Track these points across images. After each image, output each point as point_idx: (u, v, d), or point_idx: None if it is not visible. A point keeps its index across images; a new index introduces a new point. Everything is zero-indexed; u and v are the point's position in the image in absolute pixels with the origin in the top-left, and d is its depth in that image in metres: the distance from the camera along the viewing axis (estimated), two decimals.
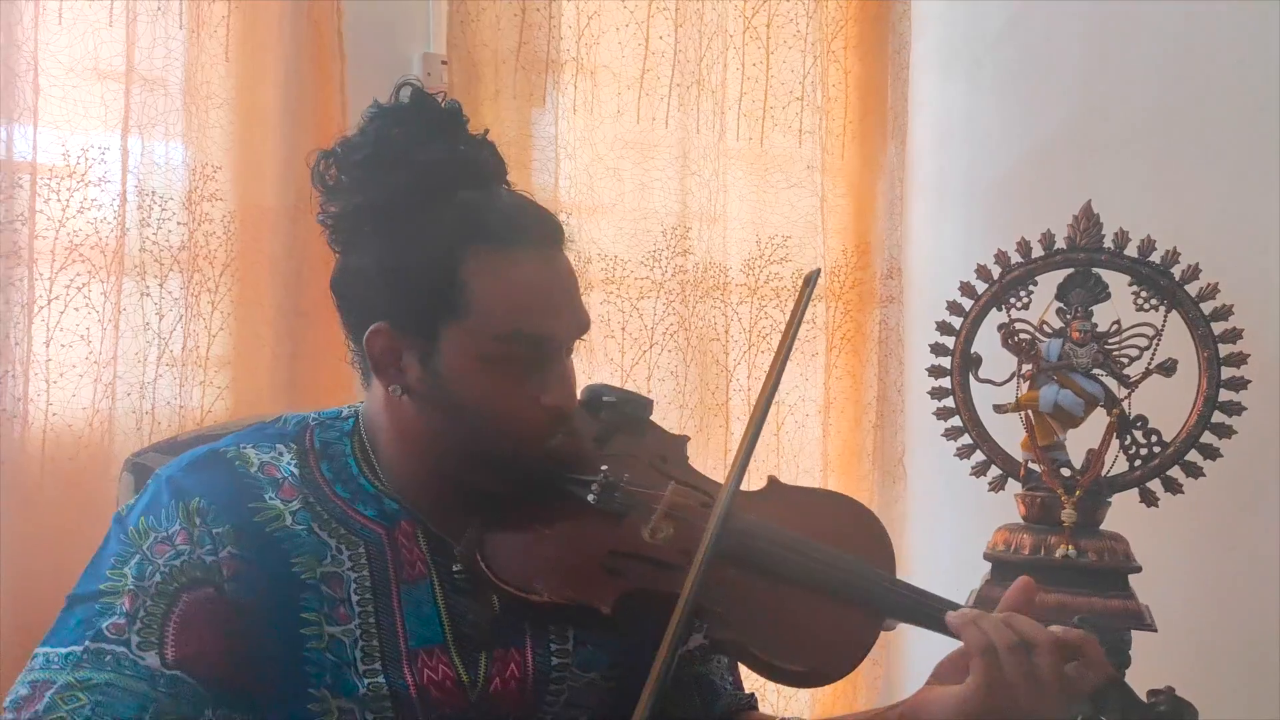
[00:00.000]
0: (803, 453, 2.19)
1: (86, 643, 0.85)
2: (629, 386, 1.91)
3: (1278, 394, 1.64)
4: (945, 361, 1.73)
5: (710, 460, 2.03)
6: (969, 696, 0.85)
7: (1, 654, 1.36)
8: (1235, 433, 1.56)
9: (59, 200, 1.40)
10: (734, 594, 0.89)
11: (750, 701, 1.08)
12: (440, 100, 0.95)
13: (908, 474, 2.31)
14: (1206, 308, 1.57)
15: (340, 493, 0.95)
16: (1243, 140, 1.78)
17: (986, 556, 1.62)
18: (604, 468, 0.93)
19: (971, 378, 1.71)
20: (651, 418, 1.06)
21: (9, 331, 1.33)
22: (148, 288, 1.43)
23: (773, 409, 2.14)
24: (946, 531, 2.24)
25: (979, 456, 1.71)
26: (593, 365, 1.89)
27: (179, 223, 1.47)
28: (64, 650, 0.85)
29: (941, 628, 0.90)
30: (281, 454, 0.95)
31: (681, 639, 0.86)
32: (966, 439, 1.71)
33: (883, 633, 0.97)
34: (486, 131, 0.98)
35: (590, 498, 0.93)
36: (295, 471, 0.94)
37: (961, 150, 2.31)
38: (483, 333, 0.90)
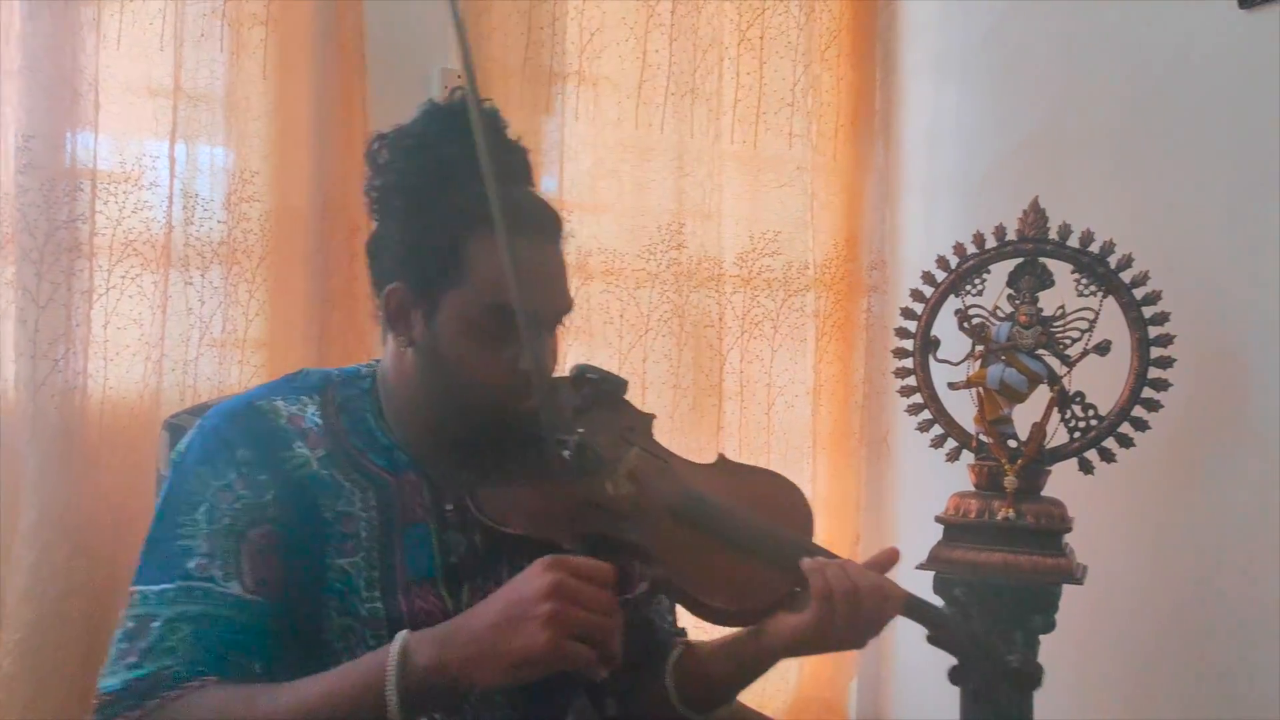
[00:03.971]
0: (793, 431, 2.30)
1: (178, 581, 0.95)
2: (626, 368, 2.05)
3: (1196, 372, 1.71)
4: (908, 344, 1.83)
5: (703, 436, 2.15)
6: (806, 625, 1.02)
7: (75, 589, 1.53)
8: (1162, 406, 1.64)
9: (116, 202, 1.56)
10: (672, 542, 1.03)
11: (681, 633, 1.22)
12: (484, 105, 1.03)
13: (892, 450, 2.41)
14: (1139, 294, 1.65)
15: (356, 443, 1.05)
16: (1189, 142, 1.84)
17: (938, 520, 1.72)
18: (580, 430, 1.03)
19: (931, 358, 1.81)
20: (626, 397, 1.17)
21: (72, 316, 1.50)
22: (191, 278, 1.59)
23: (765, 390, 2.27)
24: (928, 501, 2.33)
25: (937, 430, 1.81)
26: (593, 348, 2.02)
27: (219, 221, 1.63)
28: (157, 589, 0.95)
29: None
30: (306, 405, 1.05)
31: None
32: (926, 414, 1.81)
33: None
34: (520, 139, 1.10)
35: (565, 454, 1.02)
36: (319, 422, 1.05)
37: (949, 150, 2.39)
38: (476, 302, 1.01)
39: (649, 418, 1.17)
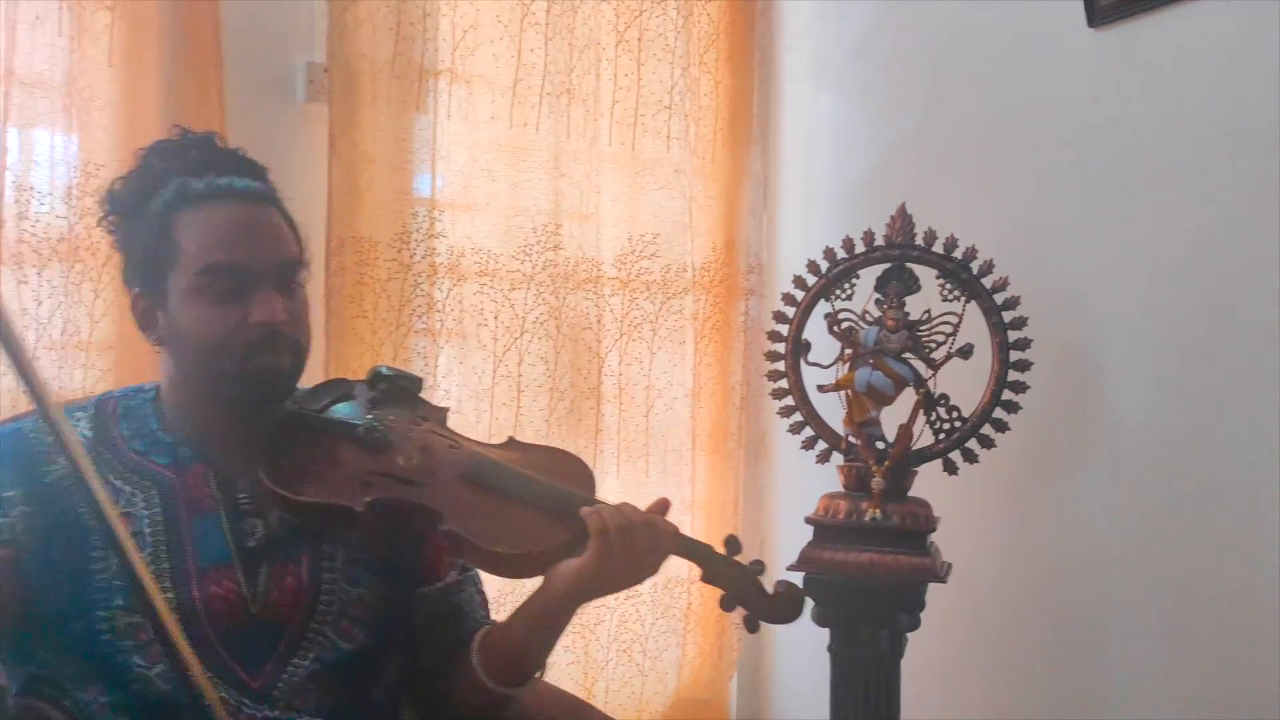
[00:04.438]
0: (671, 433, 2.29)
1: None
2: (501, 371, 2.01)
3: (1052, 375, 1.76)
4: (780, 347, 1.84)
5: (581, 439, 2.13)
6: (586, 564, 1.09)
7: None
8: (1021, 408, 1.68)
9: None
10: (460, 501, 1.12)
11: (489, 623, 1.25)
12: (197, 133, 1.18)
13: (771, 452, 2.43)
14: (999, 299, 1.70)
15: (137, 447, 1.11)
16: (1045, 153, 1.90)
17: (807, 521, 1.73)
18: (370, 415, 1.15)
19: (802, 362, 1.82)
20: (422, 394, 1.27)
21: None
22: (26, 277, 1.49)
23: (644, 393, 2.26)
24: (806, 502, 2.35)
25: (809, 432, 1.82)
26: (466, 350, 1.97)
27: (59, 216, 1.53)
28: None
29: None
30: (79, 420, 1.12)
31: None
32: (798, 416, 1.83)
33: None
34: (231, 143, 1.21)
35: (359, 432, 1.13)
36: (89, 435, 1.11)
37: (826, 154, 2.42)
38: (189, 270, 1.07)
39: (443, 410, 1.27)
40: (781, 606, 1.18)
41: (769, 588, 1.18)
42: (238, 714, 1.02)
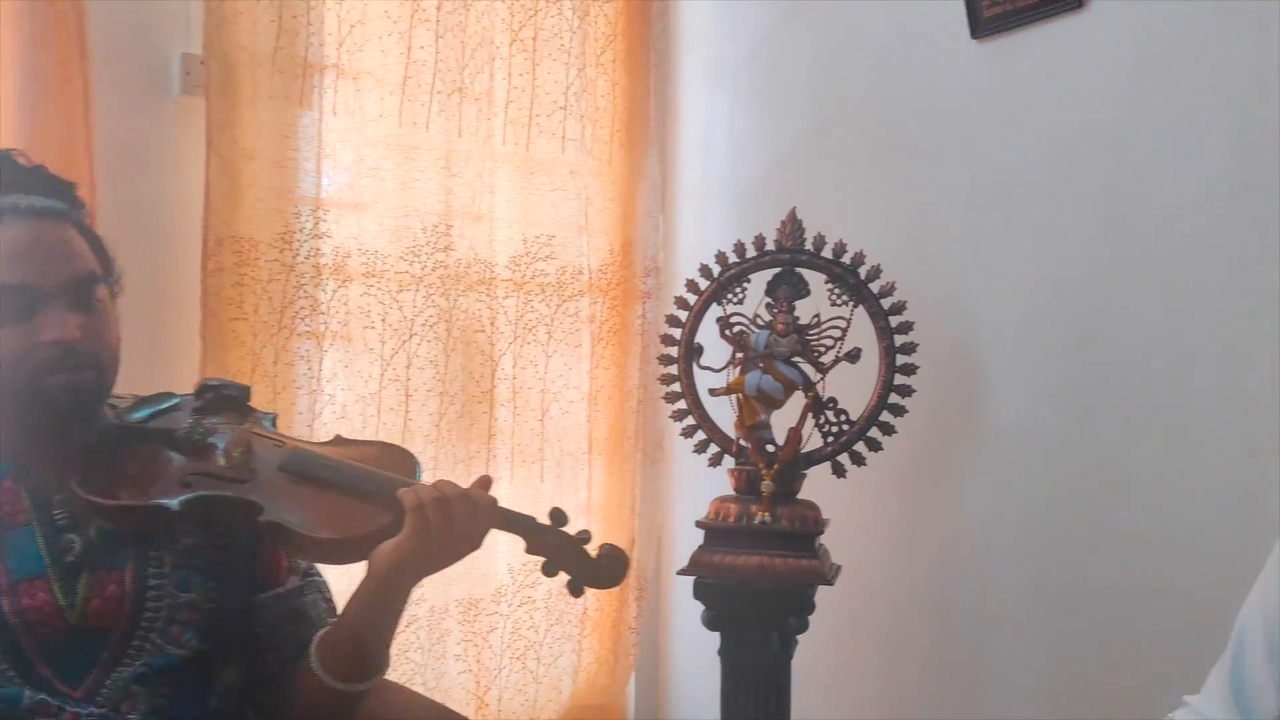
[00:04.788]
0: (567, 436, 2.27)
1: None
2: (389, 375, 1.95)
3: (937, 378, 1.79)
4: (673, 351, 1.83)
5: (473, 444, 2.08)
6: (403, 541, 1.10)
7: None
8: (907, 411, 1.71)
9: None
10: (281, 493, 1.14)
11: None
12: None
13: (668, 455, 2.42)
14: (886, 303, 1.72)
15: None
16: (931, 161, 1.93)
17: (698, 524, 1.73)
18: (188, 421, 1.18)
19: (695, 365, 1.82)
20: (250, 402, 1.29)
21: None
22: None
23: (539, 396, 2.22)
24: (703, 505, 2.35)
25: (701, 436, 1.82)
26: (352, 353, 1.91)
27: None
28: None
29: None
30: None
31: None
32: (690, 420, 1.82)
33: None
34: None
35: (179, 435, 1.16)
36: None
37: (722, 157, 2.43)
38: None
39: (271, 415, 1.29)
40: (604, 570, 1.20)
41: (597, 553, 1.21)
42: (59, 715, 1.03)
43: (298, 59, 1.79)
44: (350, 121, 1.91)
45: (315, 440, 1.31)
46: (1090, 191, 1.69)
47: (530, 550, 1.20)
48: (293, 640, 1.19)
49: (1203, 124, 1.54)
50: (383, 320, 1.94)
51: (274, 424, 1.27)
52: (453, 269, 2.02)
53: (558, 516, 1.20)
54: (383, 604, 1.13)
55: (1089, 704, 1.64)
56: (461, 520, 1.11)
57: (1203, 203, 1.54)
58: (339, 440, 1.31)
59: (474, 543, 1.14)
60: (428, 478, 1.99)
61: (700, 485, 2.37)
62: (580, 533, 1.21)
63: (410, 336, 1.97)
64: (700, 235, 2.43)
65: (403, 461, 1.25)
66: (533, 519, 1.20)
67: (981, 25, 1.82)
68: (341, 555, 1.16)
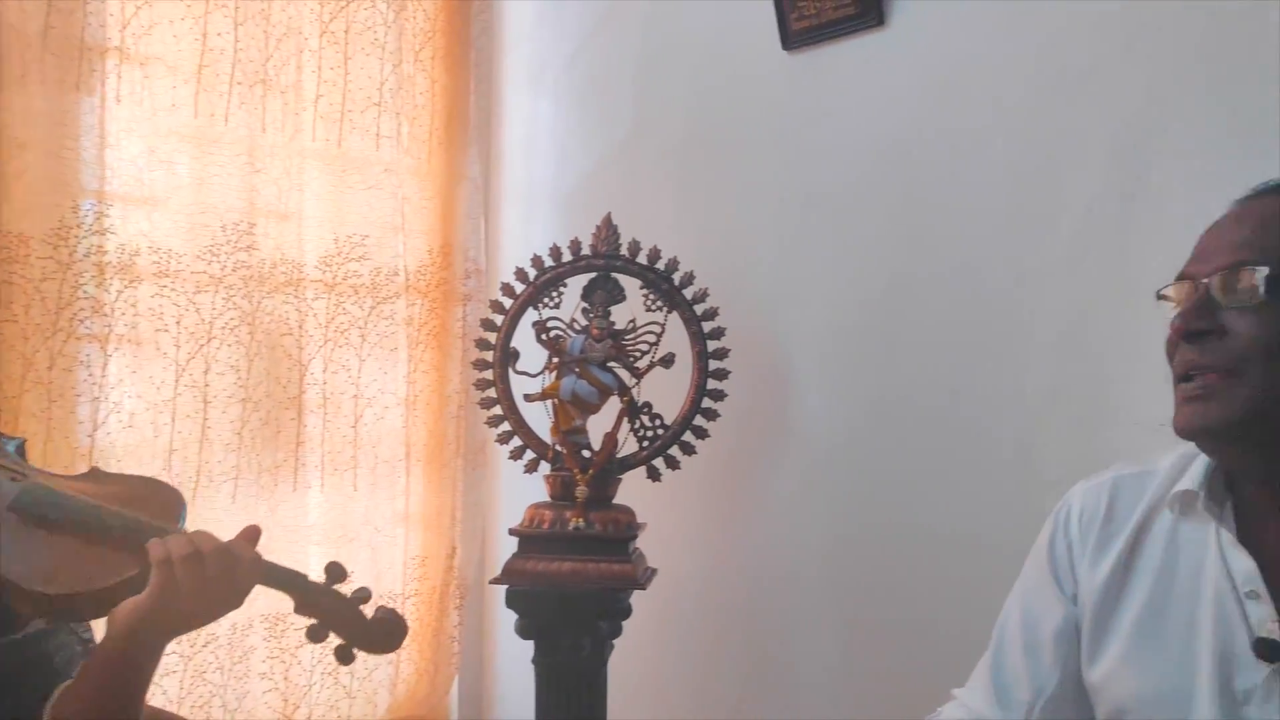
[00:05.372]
0: (383, 443, 2.18)
1: None
2: (184, 380, 1.82)
3: (749, 383, 1.82)
4: (488, 356, 1.79)
5: (280, 451, 1.97)
6: (146, 598, 1.00)
7: None
8: (720, 415, 1.72)
9: None
10: (11, 538, 1.01)
11: None
12: None
13: (491, 461, 2.37)
14: (699, 309, 1.73)
15: None
16: (743, 169, 1.96)
17: (512, 532, 1.69)
18: None
19: (511, 370, 1.78)
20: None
21: None
22: None
23: (350, 402, 2.13)
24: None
25: (517, 441, 1.78)
26: (141, 360, 1.77)
27: None
28: None
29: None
30: None
31: None
32: (506, 426, 1.78)
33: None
34: None
35: None
36: None
37: (545, 160, 2.39)
38: None
39: (18, 440, 1.18)
40: (379, 634, 1.12)
41: (372, 615, 1.12)
42: None
43: (74, 40, 1.64)
44: (138, 110, 1.77)
45: (70, 474, 1.17)
46: (891, 202, 1.75)
47: (299, 610, 1.10)
48: (30, 690, 1.06)
49: (988, 138, 1.61)
50: (177, 323, 1.80)
51: (21, 451, 1.15)
52: (256, 269, 1.91)
53: (334, 571, 1.11)
54: (123, 667, 1.02)
55: (886, 700, 1.69)
56: (217, 579, 1.01)
57: (987, 213, 1.61)
58: (94, 474, 1.19)
59: (232, 602, 1.04)
60: (228, 489, 1.92)
61: (525, 491, 2.34)
62: (357, 591, 1.12)
63: (209, 340, 1.84)
64: (525, 238, 2.38)
65: (166, 502, 1.14)
66: (303, 576, 1.10)
67: (791, 37, 1.85)
68: (77, 611, 1.04)
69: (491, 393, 1.78)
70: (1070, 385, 1.50)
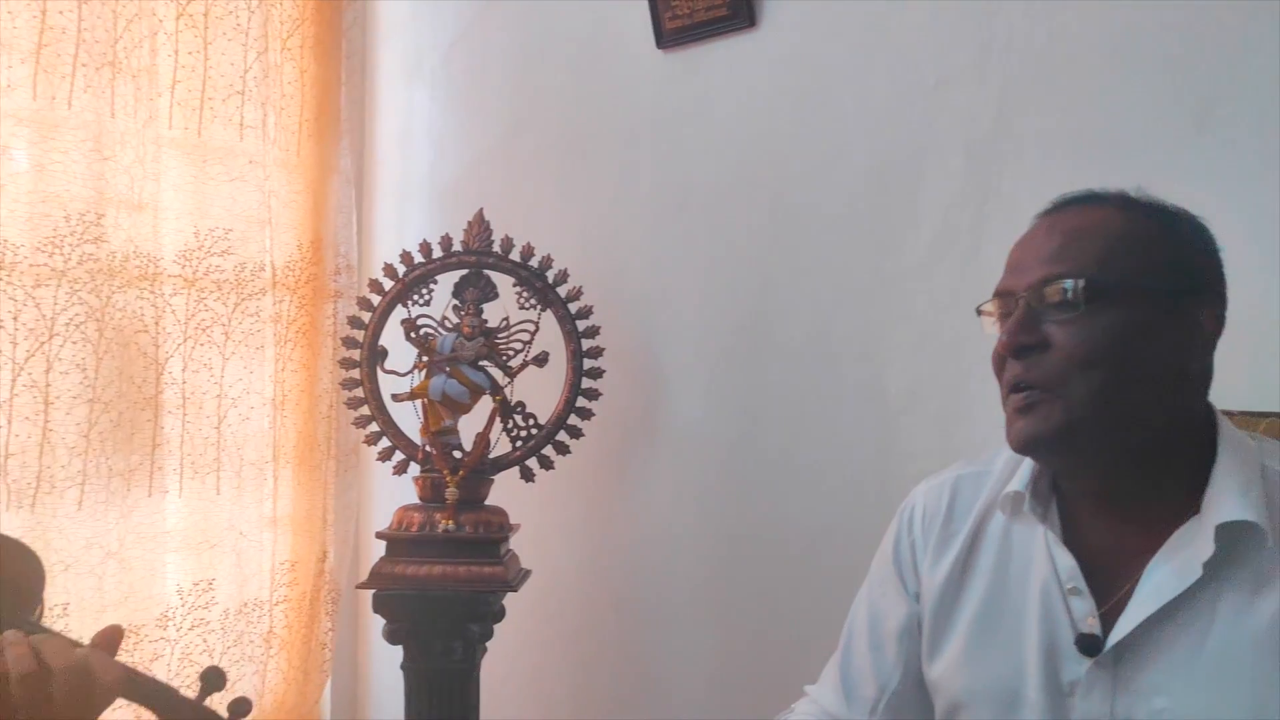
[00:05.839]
0: (249, 444, 2.08)
1: None
2: (22, 380, 1.70)
3: (624, 382, 1.81)
4: (355, 354, 1.73)
5: (135, 455, 1.86)
6: None
7: None
8: (594, 414, 1.70)
9: None
10: None
11: None
12: None
13: (364, 462, 2.29)
14: (574, 308, 1.70)
15: None
16: (619, 166, 1.95)
17: (379, 535, 1.63)
18: None
19: (379, 369, 1.72)
20: None
21: None
22: None
23: (213, 402, 2.02)
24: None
25: (385, 442, 1.72)
26: None
27: None
28: None
29: None
30: None
31: None
32: (374, 426, 1.72)
33: None
34: None
35: None
36: None
37: (422, 154, 2.33)
38: None
39: None
40: None
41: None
42: None
43: None
44: None
45: None
46: (760, 202, 1.75)
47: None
48: None
49: (853, 142, 1.64)
50: (14, 319, 1.68)
51: None
52: (105, 263, 1.79)
53: (211, 680, 0.93)
54: None
55: (759, 695, 1.70)
56: (66, 702, 0.82)
57: (852, 216, 1.64)
58: None
59: None
60: (73, 495, 1.80)
61: (401, 493, 2.28)
62: (235, 702, 0.95)
63: (51, 337, 1.72)
64: (399, 234, 2.32)
65: (17, 570, 0.94)
66: (172, 690, 0.92)
67: (665, 36, 1.84)
68: None
69: (359, 392, 1.72)
70: (929, 384, 1.53)
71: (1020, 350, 0.83)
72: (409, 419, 1.73)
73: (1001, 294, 0.87)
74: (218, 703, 0.96)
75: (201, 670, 0.96)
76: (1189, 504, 0.82)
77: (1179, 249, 0.84)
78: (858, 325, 1.62)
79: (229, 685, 0.98)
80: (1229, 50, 1.30)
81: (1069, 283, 0.81)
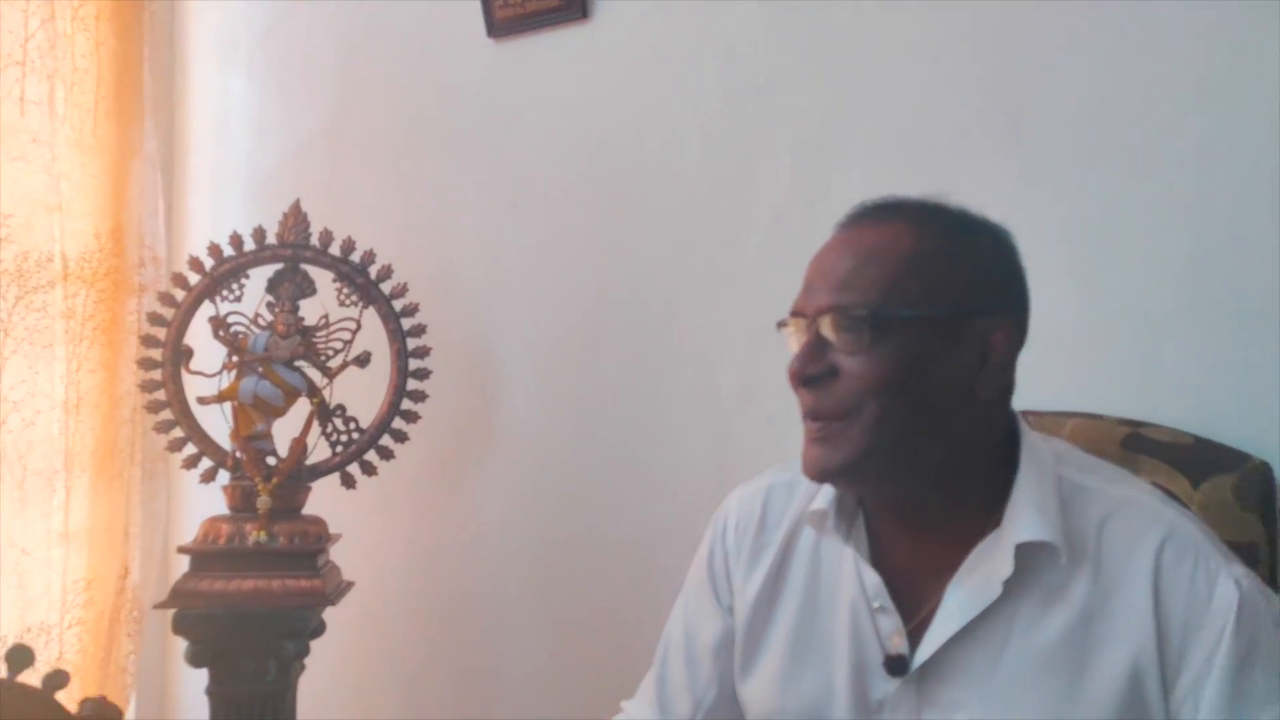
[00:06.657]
0: (34, 451, 1.87)
1: None
2: None
3: (455, 383, 1.73)
4: (156, 354, 1.58)
5: None
6: None
7: None
8: (420, 417, 1.62)
9: None
10: None
11: None
12: None
13: (171, 470, 2.11)
14: (398, 305, 1.61)
15: None
16: (449, 159, 1.86)
17: (181, 550, 1.50)
18: None
19: (184, 370, 1.58)
20: None
21: None
22: None
23: None
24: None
25: (191, 449, 1.58)
26: None
27: None
28: None
29: None
30: None
31: None
32: (178, 431, 1.58)
33: None
34: None
35: None
36: None
37: (239, 141, 2.17)
38: None
39: None
40: None
41: (74, 704, 0.92)
42: None
43: None
44: None
45: None
46: (594, 199, 1.71)
47: None
48: None
49: (686, 141, 1.61)
50: None
51: None
52: None
53: (18, 658, 0.86)
54: None
55: (591, 702, 1.66)
56: None
57: (684, 215, 1.62)
58: None
59: None
60: None
61: (213, 503, 2.12)
62: (51, 675, 0.89)
63: None
64: (215, 225, 2.15)
65: None
66: None
67: (496, 25, 1.77)
68: None
69: (161, 395, 1.57)
70: (762, 384, 1.52)
71: (809, 380, 0.81)
72: (219, 424, 1.59)
73: (797, 314, 0.85)
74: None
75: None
76: (990, 518, 0.82)
77: (972, 266, 0.83)
78: (693, 325, 1.60)
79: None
80: (1043, 58, 1.34)
81: (853, 314, 0.80)
